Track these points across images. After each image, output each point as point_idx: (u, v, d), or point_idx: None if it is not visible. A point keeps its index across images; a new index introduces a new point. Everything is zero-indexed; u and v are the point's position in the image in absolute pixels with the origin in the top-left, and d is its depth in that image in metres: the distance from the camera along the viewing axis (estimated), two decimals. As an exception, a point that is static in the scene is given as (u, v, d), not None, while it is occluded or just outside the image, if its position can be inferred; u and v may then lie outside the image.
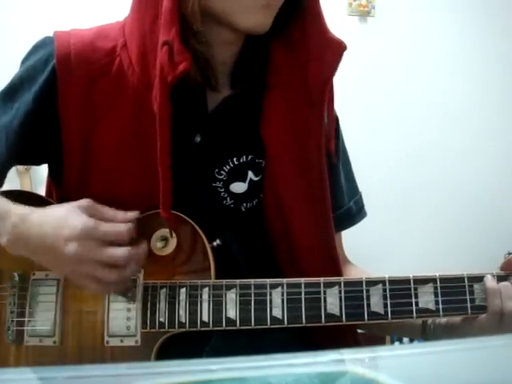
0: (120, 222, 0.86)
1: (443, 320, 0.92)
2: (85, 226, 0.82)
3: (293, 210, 0.96)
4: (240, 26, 0.88)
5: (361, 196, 1.10)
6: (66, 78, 0.91)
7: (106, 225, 0.84)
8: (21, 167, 2.53)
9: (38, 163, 1.04)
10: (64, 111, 0.91)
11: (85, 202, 0.87)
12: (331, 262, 0.98)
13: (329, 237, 0.98)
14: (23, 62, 0.96)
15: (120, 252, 0.83)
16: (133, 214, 0.88)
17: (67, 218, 0.84)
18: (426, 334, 0.95)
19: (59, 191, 0.98)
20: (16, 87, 0.94)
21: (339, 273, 0.97)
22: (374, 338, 1.68)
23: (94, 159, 0.92)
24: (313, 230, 0.97)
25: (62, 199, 0.96)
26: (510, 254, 2.87)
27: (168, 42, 0.83)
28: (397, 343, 2.79)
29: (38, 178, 2.53)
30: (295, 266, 0.96)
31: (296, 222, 0.96)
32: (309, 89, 0.94)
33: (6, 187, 1.01)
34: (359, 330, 1.01)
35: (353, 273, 1.04)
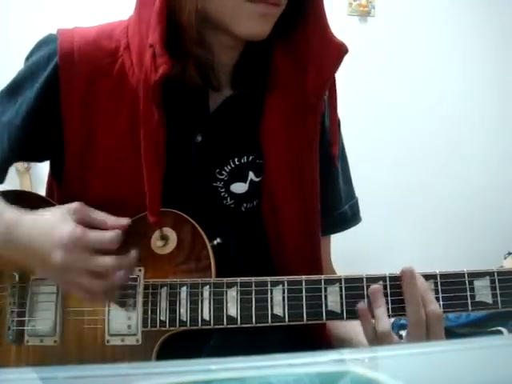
0: (110, 227, 0.86)
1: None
2: (71, 234, 0.82)
3: (284, 211, 0.96)
4: (238, 34, 0.88)
5: (357, 201, 1.09)
6: (68, 76, 0.91)
7: (92, 233, 0.84)
8: (21, 167, 2.54)
9: (40, 160, 1.03)
10: (66, 109, 0.91)
11: (75, 205, 0.87)
12: (314, 263, 0.98)
13: (315, 239, 0.98)
14: (27, 58, 0.97)
15: (107, 261, 0.83)
16: (124, 220, 0.88)
17: (55, 225, 0.84)
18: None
19: (60, 191, 0.98)
20: (19, 83, 0.95)
21: (320, 273, 0.97)
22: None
23: (94, 159, 0.92)
24: (300, 232, 0.97)
25: (62, 199, 0.97)
26: (510, 253, 2.88)
27: (152, 44, 0.83)
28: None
29: (38, 178, 2.53)
30: (285, 267, 0.96)
31: (286, 223, 0.96)
32: (307, 91, 0.94)
33: (6, 187, 1.01)
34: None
35: None
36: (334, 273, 1.08)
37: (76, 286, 0.84)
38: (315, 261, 0.98)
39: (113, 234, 0.85)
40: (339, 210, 1.06)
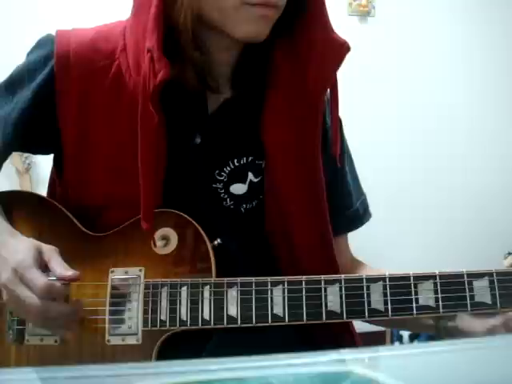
0: (57, 275, 0.83)
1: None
2: (17, 262, 0.82)
3: (293, 210, 0.96)
4: (236, 36, 0.87)
5: (365, 197, 1.10)
6: (63, 79, 0.91)
7: (33, 274, 0.82)
8: (21, 167, 2.53)
9: (39, 153, 1.06)
10: (62, 111, 0.92)
11: (47, 246, 0.86)
12: (329, 261, 0.98)
13: (327, 236, 0.98)
14: (28, 54, 0.98)
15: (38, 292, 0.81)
16: (73, 275, 0.84)
17: (16, 249, 0.84)
18: (438, 330, 0.93)
19: (60, 186, 0.99)
20: (17, 80, 0.95)
21: (337, 272, 0.97)
22: (373, 338, 1.68)
23: (93, 160, 0.93)
24: (312, 230, 0.97)
25: (62, 197, 0.97)
26: (510, 253, 2.88)
27: (150, 49, 0.83)
28: (397, 343, 2.79)
29: (38, 178, 2.53)
30: (295, 266, 0.96)
31: (296, 222, 0.96)
32: (308, 89, 0.93)
33: (6, 187, 1.01)
34: (363, 329, 1.01)
35: (364, 272, 1.04)
36: (358, 265, 1.09)
37: (11, 303, 0.85)
38: (329, 260, 0.98)
39: (44, 284, 0.81)
40: (352, 209, 1.06)
